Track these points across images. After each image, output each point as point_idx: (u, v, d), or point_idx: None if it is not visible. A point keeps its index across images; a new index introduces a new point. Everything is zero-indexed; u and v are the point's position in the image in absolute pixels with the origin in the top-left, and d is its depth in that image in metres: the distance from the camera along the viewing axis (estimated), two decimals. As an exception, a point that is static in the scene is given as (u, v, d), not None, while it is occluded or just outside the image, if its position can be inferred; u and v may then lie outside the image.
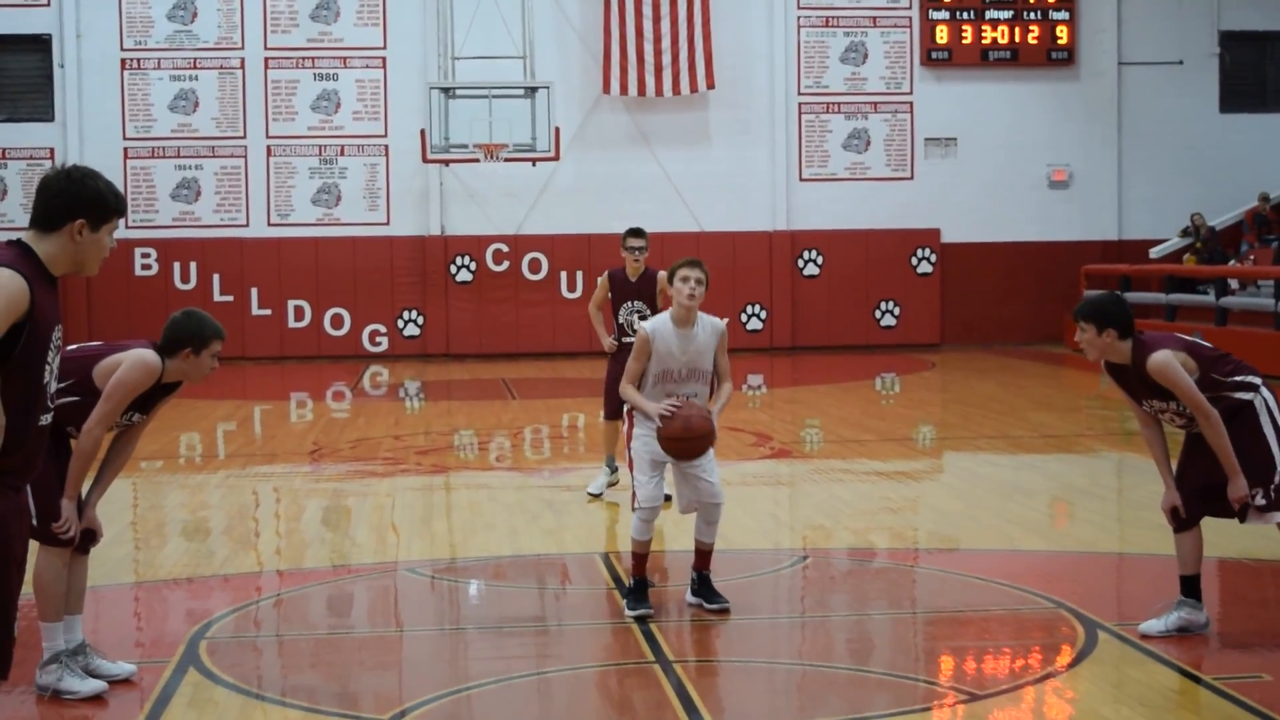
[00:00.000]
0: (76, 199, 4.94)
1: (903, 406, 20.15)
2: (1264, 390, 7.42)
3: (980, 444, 15.38)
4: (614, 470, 12.03)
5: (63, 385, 6.29)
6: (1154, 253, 27.24)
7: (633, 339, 12.17)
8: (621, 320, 12.11)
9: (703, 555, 8.25)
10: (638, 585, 8.08)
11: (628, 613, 8.01)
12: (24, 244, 4.87)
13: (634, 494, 8.10)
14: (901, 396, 21.25)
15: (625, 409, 8.32)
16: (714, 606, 8.14)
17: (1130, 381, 7.45)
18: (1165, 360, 7.21)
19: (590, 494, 12.06)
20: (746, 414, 17.64)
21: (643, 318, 12.20)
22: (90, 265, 5.00)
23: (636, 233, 12.06)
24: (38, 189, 4.99)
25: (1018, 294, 27.87)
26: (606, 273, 12.32)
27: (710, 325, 8.19)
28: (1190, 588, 7.55)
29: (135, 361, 6.70)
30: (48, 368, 4.81)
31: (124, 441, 7.02)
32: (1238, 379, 7.33)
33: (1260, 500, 7.28)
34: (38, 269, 4.80)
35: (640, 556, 8.09)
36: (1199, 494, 7.49)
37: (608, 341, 12.02)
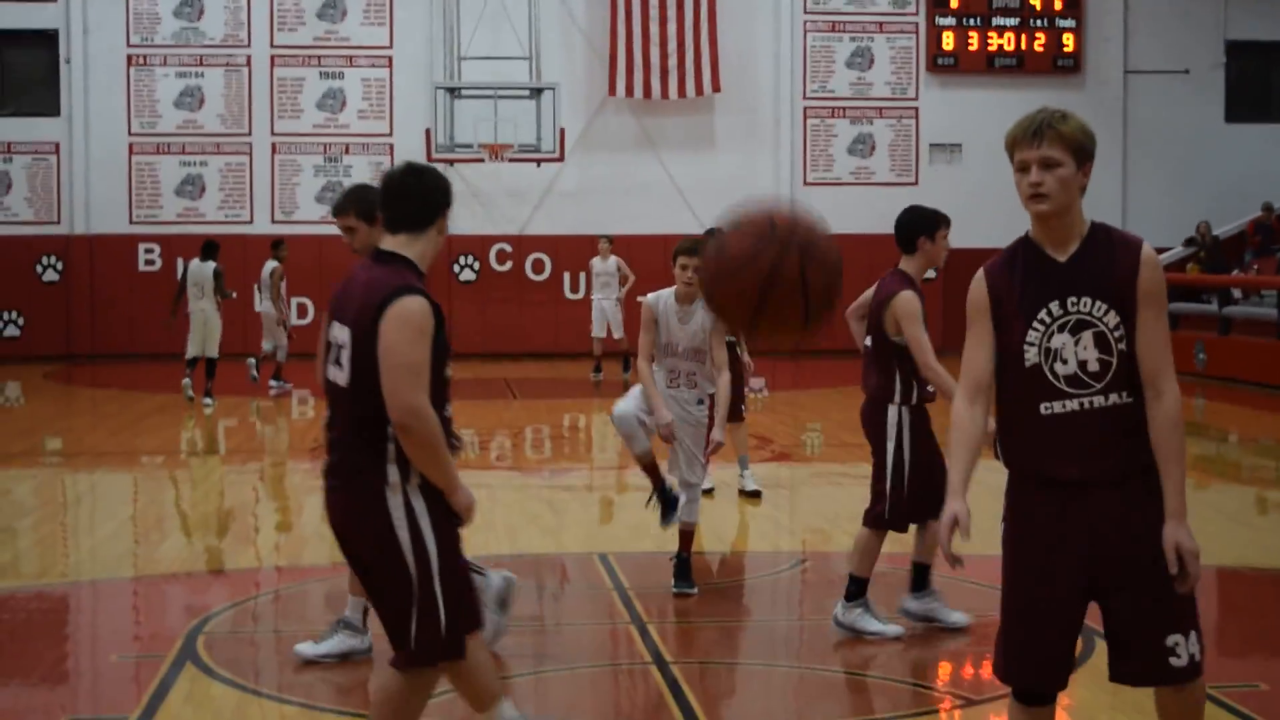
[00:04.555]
0: (444, 193, 4.93)
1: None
2: None
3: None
4: (745, 469, 11.98)
5: None
6: (1157, 261, 27.16)
7: None
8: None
9: (682, 536, 8.46)
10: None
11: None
12: (401, 258, 4.82)
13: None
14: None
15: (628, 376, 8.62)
16: (675, 589, 8.29)
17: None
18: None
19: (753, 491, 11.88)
20: (747, 417, 17.57)
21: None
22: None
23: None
24: (392, 194, 4.91)
25: (1020, 301, 27.79)
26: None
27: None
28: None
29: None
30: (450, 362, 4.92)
31: None
32: None
33: None
34: (422, 280, 4.79)
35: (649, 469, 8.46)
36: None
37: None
